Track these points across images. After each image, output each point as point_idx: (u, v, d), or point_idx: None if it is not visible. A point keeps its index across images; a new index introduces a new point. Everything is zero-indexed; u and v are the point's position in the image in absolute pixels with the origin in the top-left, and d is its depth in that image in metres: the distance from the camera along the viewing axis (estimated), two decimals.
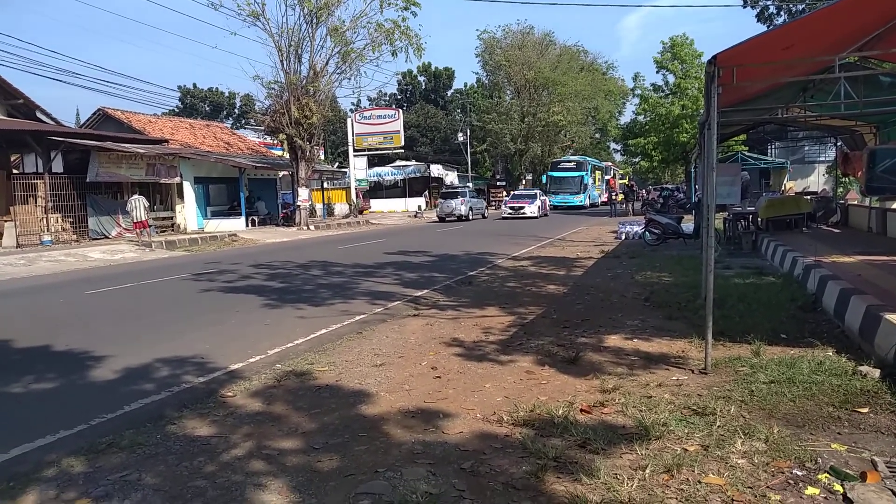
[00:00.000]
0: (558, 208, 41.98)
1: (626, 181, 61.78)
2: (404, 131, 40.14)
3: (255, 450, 3.99)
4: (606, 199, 46.62)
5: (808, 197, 19.90)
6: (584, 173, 44.20)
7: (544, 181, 47.70)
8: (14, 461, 3.97)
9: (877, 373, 4.86)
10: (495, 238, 20.82)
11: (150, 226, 21.47)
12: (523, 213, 32.82)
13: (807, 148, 35.00)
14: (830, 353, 5.56)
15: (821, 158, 35.97)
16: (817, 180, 35.71)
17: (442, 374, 5.58)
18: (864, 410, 4.30)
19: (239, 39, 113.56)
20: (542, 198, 35.37)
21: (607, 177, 56.38)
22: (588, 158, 48.78)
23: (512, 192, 41.40)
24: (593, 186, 47.95)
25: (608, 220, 30.13)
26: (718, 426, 4.04)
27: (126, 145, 22.30)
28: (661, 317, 7.65)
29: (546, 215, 34.77)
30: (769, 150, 34.07)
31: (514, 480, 3.48)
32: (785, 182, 30.35)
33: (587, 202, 44.93)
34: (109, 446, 4.07)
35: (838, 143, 18.14)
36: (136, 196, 21.10)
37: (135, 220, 21.00)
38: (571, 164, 45.33)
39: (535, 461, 3.66)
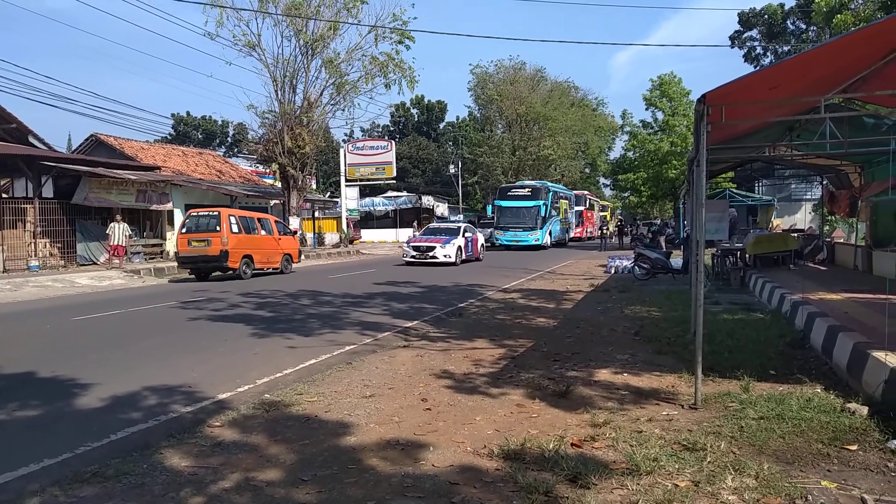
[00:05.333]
0: (510, 248, 33.85)
1: (606, 214, 61.40)
2: (396, 162, 40.29)
3: (242, 481, 3.94)
4: (598, 234, 46.31)
5: (795, 234, 20.15)
6: (542, 203, 34.79)
7: (490, 213, 38.77)
8: None
9: (865, 410, 4.89)
10: (486, 270, 20.85)
11: (125, 253, 21.22)
12: (432, 257, 22.63)
13: (793, 186, 35.56)
14: (819, 390, 5.59)
15: (807, 196, 36.54)
16: (804, 218, 36.22)
17: (432, 406, 5.55)
18: (854, 448, 4.32)
19: (234, 69, 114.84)
20: (468, 234, 24.67)
21: (579, 208, 48.11)
22: (549, 184, 39.44)
23: (426, 225, 30.65)
24: (557, 220, 38.46)
25: (597, 253, 30.27)
26: (709, 462, 4.03)
27: (118, 171, 22.30)
28: (651, 351, 7.67)
29: (478, 259, 25.21)
30: (756, 188, 34.60)
31: None
32: (772, 219, 30.75)
33: (546, 240, 35.17)
34: (94, 475, 4.00)
35: (824, 182, 18.46)
36: (118, 223, 20.89)
37: (112, 243, 20.84)
38: (526, 192, 35.74)
39: (526, 496, 3.63)
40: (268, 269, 20.08)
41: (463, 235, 24.11)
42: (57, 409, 5.60)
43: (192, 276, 18.88)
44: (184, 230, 18.51)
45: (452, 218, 49.10)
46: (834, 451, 4.28)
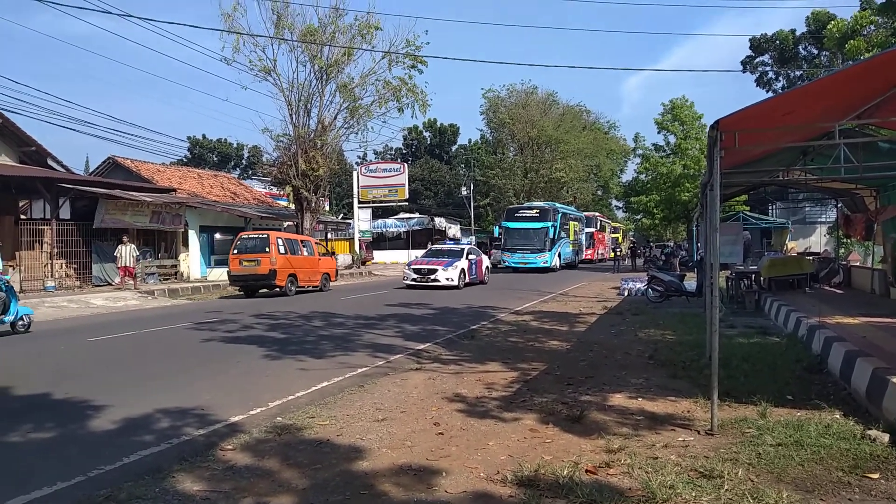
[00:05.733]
0: (518, 270, 33.13)
1: (618, 235, 60.93)
2: (409, 184, 40.52)
3: None
4: (609, 256, 46.02)
5: (811, 257, 19.97)
6: (550, 224, 33.92)
7: (497, 234, 38.34)
8: None
9: (886, 437, 4.80)
10: (497, 292, 20.80)
11: (134, 275, 21.29)
12: (434, 280, 21.70)
13: (807, 209, 35.35)
14: (838, 416, 5.50)
15: (822, 219, 36.27)
16: (819, 240, 35.91)
17: (445, 430, 5.51)
18: (875, 476, 4.23)
19: (249, 93, 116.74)
20: (472, 256, 23.82)
21: (589, 229, 46.82)
22: (558, 205, 38.87)
23: (430, 246, 29.52)
24: (566, 242, 37.59)
25: (610, 276, 30.12)
26: (726, 489, 3.97)
27: (134, 193, 22.59)
28: (666, 375, 7.59)
29: (482, 283, 24.26)
30: (770, 210, 34.40)
31: None
32: (787, 242, 30.51)
33: (555, 262, 34.30)
34: (107, 499, 3.99)
35: (839, 205, 18.33)
36: (125, 245, 20.82)
37: (120, 265, 20.90)
38: (534, 213, 35.01)
39: None
40: (309, 286, 21.35)
41: (466, 257, 23.20)
42: (70, 431, 5.61)
43: (204, 298, 18.97)
44: (235, 251, 19.90)
45: (464, 240, 49.10)
46: (855, 480, 4.19)
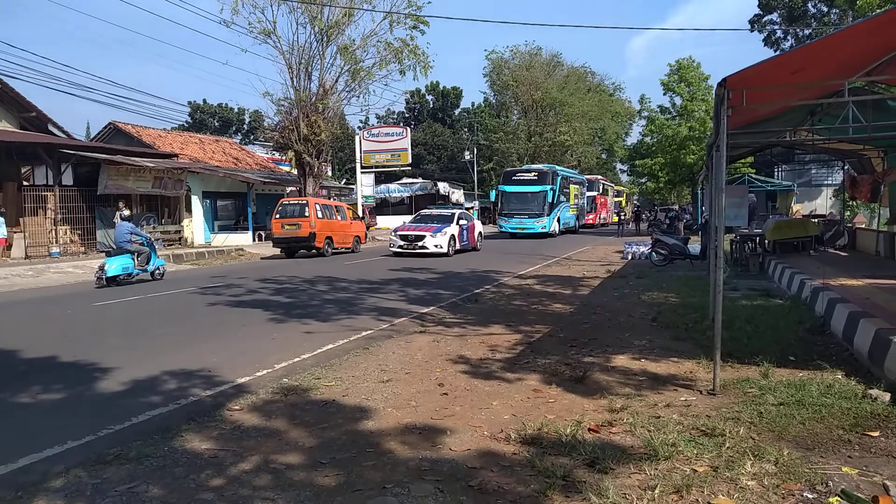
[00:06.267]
0: (516, 236, 32.01)
1: (622, 199, 60.21)
2: (412, 149, 40.22)
3: (261, 464, 3.99)
4: (614, 220, 45.66)
5: (816, 220, 19.87)
6: (549, 188, 32.54)
7: (493, 198, 37.80)
8: (21, 471, 3.97)
9: (887, 396, 4.83)
10: (501, 256, 20.82)
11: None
12: (421, 248, 20.66)
13: (814, 171, 35.02)
14: (840, 376, 5.53)
15: (828, 182, 35.99)
16: (824, 203, 35.71)
17: (449, 391, 5.57)
18: (875, 434, 4.27)
19: (249, 56, 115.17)
20: (463, 222, 22.59)
21: (591, 193, 45.57)
22: (558, 168, 37.35)
23: (418, 212, 26.88)
24: (566, 206, 36.36)
25: (614, 240, 30.08)
26: (728, 447, 4.01)
27: (136, 159, 22.50)
28: (669, 337, 7.63)
29: (475, 249, 23.18)
30: (776, 173, 34.09)
31: (522, 499, 3.46)
32: (792, 204, 30.33)
33: (555, 227, 33.05)
34: (117, 458, 4.06)
35: (846, 167, 18.16)
36: (121, 211, 20.28)
37: None
38: (532, 176, 33.69)
39: (544, 480, 3.64)
40: (342, 248, 22.67)
41: (457, 223, 22.09)
42: (79, 392, 5.69)
43: (209, 263, 19.05)
44: (277, 216, 21.65)
45: (468, 205, 48.98)
46: (855, 438, 4.23)
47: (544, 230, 31.94)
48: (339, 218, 23.16)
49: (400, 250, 21.08)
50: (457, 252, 21.56)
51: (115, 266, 13.67)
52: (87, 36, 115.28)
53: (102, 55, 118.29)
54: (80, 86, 41.72)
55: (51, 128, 23.09)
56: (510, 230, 32.63)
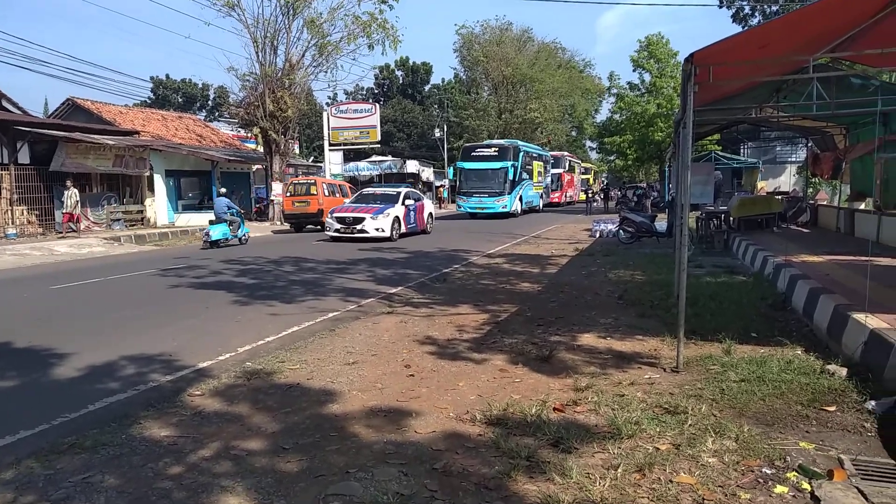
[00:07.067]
0: (476, 216, 30.25)
1: (589, 177, 59.60)
2: (381, 126, 39.60)
3: (222, 450, 3.91)
4: (581, 198, 45.61)
5: (780, 197, 20.24)
6: (510, 164, 30.46)
7: (452, 176, 35.96)
8: None
9: (844, 371, 4.94)
10: (469, 235, 20.80)
11: (74, 220, 20.44)
12: (360, 231, 18.56)
13: (778, 148, 35.62)
14: (799, 352, 5.64)
15: (792, 159, 36.64)
16: (788, 180, 36.37)
17: (415, 372, 5.53)
18: (832, 409, 4.36)
19: (213, 30, 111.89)
20: (410, 202, 20.55)
21: (557, 170, 43.79)
22: (520, 143, 35.10)
23: (360, 190, 24.69)
24: (529, 183, 34.34)
25: (583, 217, 30.27)
26: (690, 425, 4.05)
27: (95, 136, 21.80)
28: (635, 315, 7.69)
29: (424, 232, 21.29)
30: (742, 150, 34.57)
31: (486, 480, 3.45)
32: (757, 182, 30.82)
33: (516, 206, 31.04)
34: (72, 447, 3.94)
35: (809, 144, 18.49)
36: (67, 189, 20.07)
37: (65, 211, 20.20)
38: (492, 152, 31.43)
39: (508, 461, 3.64)
40: None
41: (403, 203, 19.96)
42: (33, 379, 5.52)
43: (172, 244, 18.73)
44: (288, 194, 24.62)
45: (437, 183, 48.75)
46: (813, 413, 4.31)
47: (505, 209, 30.07)
48: (340, 196, 24.81)
49: (337, 234, 18.89)
50: (403, 236, 19.61)
51: (217, 232, 17.46)
52: (44, 9, 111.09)
53: (60, 28, 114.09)
54: (37, 60, 40.32)
55: (5, 104, 22.22)
56: (469, 210, 30.95)
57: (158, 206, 25.69)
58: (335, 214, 19.31)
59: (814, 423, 4.17)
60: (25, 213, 20.24)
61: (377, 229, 18.57)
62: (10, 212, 19.69)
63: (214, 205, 18.91)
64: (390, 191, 21.54)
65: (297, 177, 30.34)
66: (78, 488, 3.45)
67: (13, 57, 66.30)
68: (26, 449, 3.97)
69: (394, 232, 19.00)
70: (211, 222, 18.04)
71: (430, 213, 22.55)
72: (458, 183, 32.29)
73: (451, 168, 36.89)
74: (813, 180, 23.39)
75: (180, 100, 68.66)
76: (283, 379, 5.34)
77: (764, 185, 32.33)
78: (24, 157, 21.19)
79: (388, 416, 4.46)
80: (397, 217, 19.37)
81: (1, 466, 3.71)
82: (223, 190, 20.72)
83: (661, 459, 3.59)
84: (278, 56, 27.86)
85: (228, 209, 18.16)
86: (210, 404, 4.75)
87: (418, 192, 23.96)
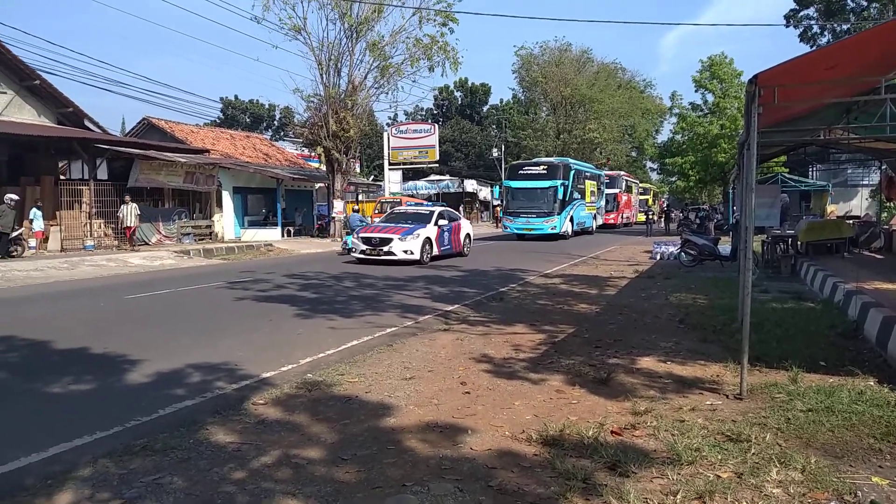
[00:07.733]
0: (523, 238, 28.53)
1: (648, 197, 57.39)
2: (439, 146, 40.13)
3: (283, 458, 4.03)
4: (640, 219, 44.62)
5: (851, 221, 19.39)
6: (559, 183, 28.54)
7: (497, 195, 34.82)
8: (51, 460, 4.07)
9: None
10: (526, 255, 20.72)
11: (135, 234, 21.43)
12: (387, 253, 17.11)
13: (849, 171, 34.10)
14: (872, 383, 5.39)
15: (864, 182, 35.02)
16: (860, 204, 34.81)
17: (471, 389, 5.56)
18: None
19: (280, 53, 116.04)
20: (444, 222, 18.85)
21: (612, 190, 41.36)
22: (571, 161, 32.89)
23: (391, 209, 24.10)
24: (581, 204, 32.10)
25: (643, 239, 29.70)
26: (753, 454, 3.94)
27: (168, 154, 22.89)
28: (696, 339, 7.51)
29: (460, 254, 19.78)
30: (810, 173, 33.32)
31: (541, 500, 3.44)
32: (826, 205, 29.62)
33: (567, 228, 29.26)
34: (143, 449, 4.14)
35: (883, 167, 17.69)
36: (127, 205, 20.91)
37: (124, 226, 21.07)
38: (541, 170, 29.57)
39: (564, 482, 3.61)
40: None
41: (436, 223, 18.37)
42: (108, 384, 5.82)
43: (238, 258, 19.42)
44: (376, 211, 28.27)
45: (494, 202, 48.78)
46: (886, 447, 4.12)
47: (554, 230, 28.24)
48: None
49: (363, 256, 17.48)
50: (435, 259, 18.11)
51: (350, 242, 19.18)
52: (121, 32, 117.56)
53: (137, 51, 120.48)
54: (115, 81, 42.92)
55: (87, 123, 23.58)
56: (516, 231, 29.30)
57: (226, 221, 26.66)
58: (361, 234, 17.92)
59: (887, 457, 3.98)
60: (103, 226, 21.35)
61: (405, 251, 17.13)
62: (88, 225, 20.80)
63: (349, 219, 23.12)
64: (423, 210, 20.60)
65: (381, 196, 35.68)
66: (149, 488, 3.62)
67: (96, 79, 70.20)
68: (102, 449, 4.20)
69: (424, 255, 17.49)
70: (348, 233, 20.87)
71: (468, 234, 20.92)
72: (504, 202, 30.99)
73: (497, 187, 35.37)
74: (888, 205, 22.35)
75: (248, 119, 71.30)
76: (342, 391, 5.46)
77: (834, 209, 31.03)
78: (102, 172, 22.47)
79: (443, 432, 4.50)
80: (428, 238, 17.83)
81: (79, 465, 3.93)
82: (356, 207, 24.31)
83: (722, 488, 3.50)
84: (342, 78, 28.69)
85: (361, 222, 21.45)
86: (272, 413, 4.91)
87: (455, 211, 22.42)
